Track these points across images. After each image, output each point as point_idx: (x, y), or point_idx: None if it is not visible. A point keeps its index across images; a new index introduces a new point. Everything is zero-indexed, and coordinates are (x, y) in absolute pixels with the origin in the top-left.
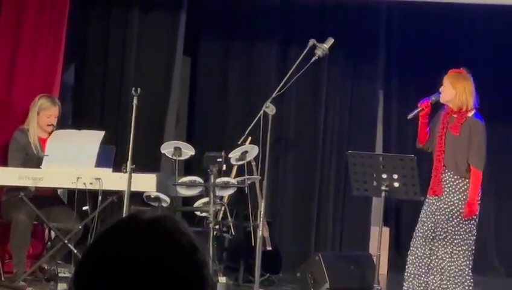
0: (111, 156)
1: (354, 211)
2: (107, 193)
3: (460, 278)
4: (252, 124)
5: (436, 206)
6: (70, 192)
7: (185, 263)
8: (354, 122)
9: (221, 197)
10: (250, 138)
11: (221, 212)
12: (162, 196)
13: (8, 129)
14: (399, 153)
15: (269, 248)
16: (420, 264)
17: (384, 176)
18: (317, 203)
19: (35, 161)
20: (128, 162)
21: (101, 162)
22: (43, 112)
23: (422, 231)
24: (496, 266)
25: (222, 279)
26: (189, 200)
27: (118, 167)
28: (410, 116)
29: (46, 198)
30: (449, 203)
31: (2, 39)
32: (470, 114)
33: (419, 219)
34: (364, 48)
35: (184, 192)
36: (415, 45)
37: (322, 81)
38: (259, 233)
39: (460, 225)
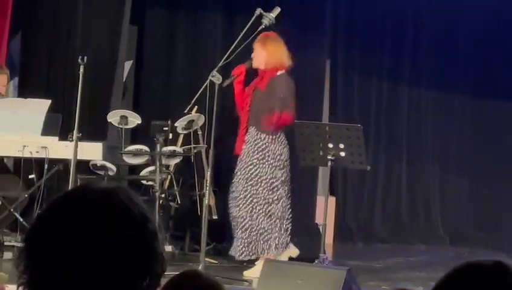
0: (57, 125)
1: (300, 181)
2: (53, 162)
3: (261, 236)
4: (198, 93)
5: (237, 166)
6: (16, 160)
7: (136, 233)
8: (300, 91)
9: (168, 166)
10: (196, 107)
11: (168, 181)
12: (108, 164)
13: None
14: (345, 122)
15: (215, 217)
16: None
17: (331, 145)
18: None
19: None
20: (75, 131)
21: (47, 130)
22: None
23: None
24: (441, 235)
25: (168, 248)
26: (135, 169)
27: (64, 135)
28: (225, 84)
29: None
30: (248, 163)
31: None
32: (279, 73)
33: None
34: (310, 17)
35: (130, 160)
36: (362, 14)
37: None
38: (205, 202)
39: (260, 184)
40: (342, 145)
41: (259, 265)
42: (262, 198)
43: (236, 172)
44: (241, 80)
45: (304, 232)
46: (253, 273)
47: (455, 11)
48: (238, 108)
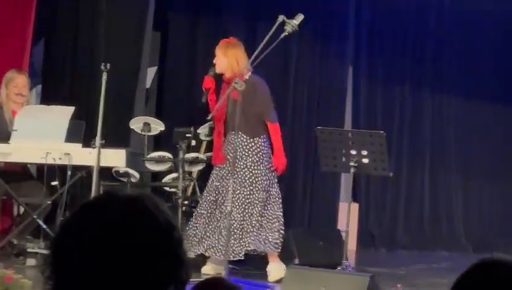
0: (80, 132)
1: (323, 187)
2: (76, 168)
3: (252, 235)
4: (221, 100)
5: (226, 170)
6: (40, 167)
7: (161, 240)
8: (323, 98)
9: (190, 173)
10: None
11: (190, 187)
12: (131, 171)
13: None
14: (368, 129)
15: None
16: (199, 227)
17: (354, 152)
18: (287, 179)
19: (6, 135)
20: (98, 138)
21: (70, 137)
22: (10, 83)
23: (212, 197)
24: (464, 243)
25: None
26: (158, 176)
27: (87, 142)
28: (203, 100)
29: (15, 173)
30: (243, 166)
31: None
32: (247, 76)
33: (208, 185)
34: (333, 24)
35: (153, 167)
36: (385, 21)
37: (291, 57)
38: (228, 209)
39: (254, 185)
40: (364, 152)
41: (272, 270)
42: (257, 199)
43: (225, 176)
44: (213, 91)
45: (326, 238)
46: (270, 278)
47: (478, 19)
48: (214, 119)
